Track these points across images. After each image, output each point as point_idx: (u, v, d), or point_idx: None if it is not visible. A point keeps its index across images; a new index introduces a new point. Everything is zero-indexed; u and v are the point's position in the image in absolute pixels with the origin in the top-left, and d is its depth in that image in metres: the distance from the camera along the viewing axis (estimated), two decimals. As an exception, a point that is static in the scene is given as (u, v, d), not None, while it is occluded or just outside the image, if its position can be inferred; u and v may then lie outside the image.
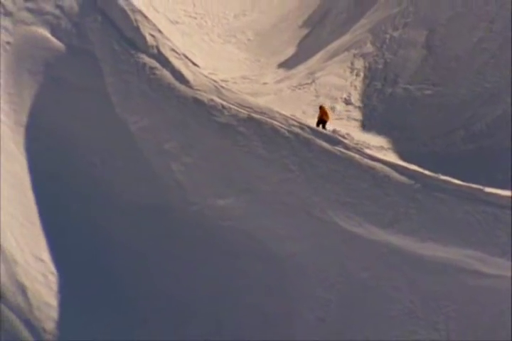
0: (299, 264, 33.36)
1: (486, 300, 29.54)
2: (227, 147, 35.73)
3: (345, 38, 41.42)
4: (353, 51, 39.77)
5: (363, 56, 39.26)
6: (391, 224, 32.46)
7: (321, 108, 37.52)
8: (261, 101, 37.39)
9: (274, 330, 32.19)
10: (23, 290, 33.44)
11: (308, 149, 34.45)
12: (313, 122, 36.74)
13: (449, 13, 38.18)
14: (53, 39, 39.69)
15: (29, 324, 33.08)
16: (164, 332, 32.96)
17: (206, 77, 37.90)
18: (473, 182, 32.00)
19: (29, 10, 40.81)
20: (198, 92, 36.76)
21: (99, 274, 34.34)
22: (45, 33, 39.90)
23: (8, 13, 40.75)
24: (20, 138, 37.32)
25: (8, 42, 39.65)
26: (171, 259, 34.35)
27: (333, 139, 34.77)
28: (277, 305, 32.83)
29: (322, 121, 37.18)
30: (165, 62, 37.82)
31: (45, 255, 34.50)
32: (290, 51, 43.40)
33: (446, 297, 30.67)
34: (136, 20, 39.17)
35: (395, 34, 39.68)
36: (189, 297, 33.44)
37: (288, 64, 42.60)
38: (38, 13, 40.60)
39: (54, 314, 33.77)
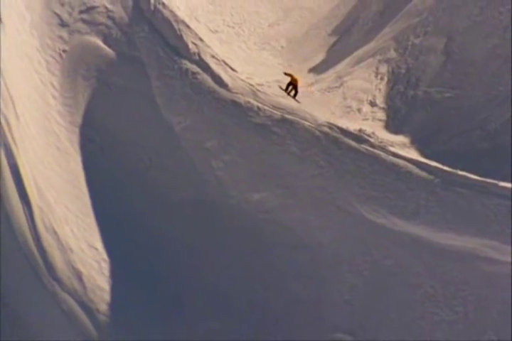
0: (328, 253, 33.54)
1: (501, 285, 29.75)
2: (263, 145, 35.96)
3: (371, 45, 40.85)
4: (378, 57, 39.32)
5: (387, 61, 38.79)
6: (413, 215, 32.53)
7: (286, 74, 38.24)
8: (293, 103, 37.61)
9: (304, 313, 32.54)
10: (78, 275, 33.81)
11: (336, 147, 34.62)
12: (341, 122, 36.18)
13: (466, 22, 37.70)
14: (105, 47, 39.74)
15: (84, 305, 33.33)
16: (205, 316, 33.23)
17: (243, 81, 38.09)
18: (489, 177, 32.16)
19: (84, 21, 40.80)
20: (236, 95, 37.00)
21: (147, 262, 34.68)
22: (97, 41, 39.96)
23: (64, 24, 40.71)
24: (75, 138, 37.57)
25: (64, 51, 39.68)
26: (213, 249, 34.67)
27: (360, 138, 34.94)
28: (308, 290, 33.11)
29: (292, 85, 37.63)
30: (206, 68, 38.02)
31: (98, 244, 34.88)
32: (320, 57, 43.01)
33: (464, 282, 30.80)
34: (179, 30, 39.27)
35: (416, 41, 39.16)
36: (227, 282, 33.65)
37: (318, 69, 42.17)
38: (92, 23, 40.65)
39: (106, 297, 34.15)
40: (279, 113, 36.07)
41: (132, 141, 37.60)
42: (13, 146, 35.06)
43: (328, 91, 39.25)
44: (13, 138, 35.34)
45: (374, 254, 32.56)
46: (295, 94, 38.27)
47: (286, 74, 38.97)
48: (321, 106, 38.49)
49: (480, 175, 32.61)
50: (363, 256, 32.75)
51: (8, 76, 37.07)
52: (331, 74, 40.90)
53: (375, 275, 32.12)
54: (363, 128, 36.09)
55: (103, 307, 34.05)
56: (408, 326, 31.74)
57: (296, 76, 38.36)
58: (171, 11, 40.89)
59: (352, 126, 36.45)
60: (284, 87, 39.27)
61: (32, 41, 39.94)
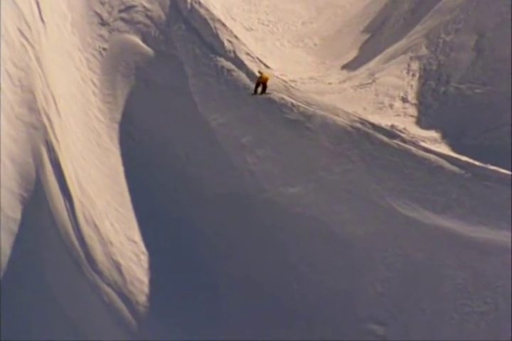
0: (361, 245, 33.58)
1: None
2: (296, 141, 36.09)
3: (402, 42, 40.56)
4: (410, 54, 39.01)
5: (419, 58, 38.57)
6: (444, 209, 32.55)
7: (259, 72, 37.23)
8: (326, 100, 37.54)
9: (337, 304, 32.44)
10: (117, 267, 34.28)
11: (368, 142, 34.68)
12: (373, 118, 36.11)
13: (497, 20, 37.37)
14: (143, 45, 40.17)
15: (124, 297, 33.74)
16: (239, 306, 33.29)
17: (277, 77, 38.23)
18: None
19: (123, 20, 41.21)
20: (270, 92, 37.13)
21: (185, 254, 35.11)
22: (136, 39, 40.38)
23: (104, 23, 41.20)
24: (114, 134, 38.03)
25: (104, 49, 40.19)
26: (248, 242, 34.67)
27: (392, 133, 35.01)
28: (341, 282, 33.09)
29: (262, 83, 36.65)
30: (241, 65, 38.41)
31: (137, 237, 35.28)
32: (352, 54, 42.89)
33: (494, 274, 30.75)
34: (215, 28, 39.65)
35: (448, 38, 38.98)
36: (263, 274, 33.81)
37: (350, 66, 42.05)
38: (131, 22, 40.99)
39: (145, 288, 34.71)
40: (312, 109, 36.17)
41: (169, 137, 37.82)
42: (54, 142, 35.53)
43: (361, 88, 38.92)
44: (54, 134, 35.82)
45: (406, 247, 32.44)
46: (263, 91, 36.99)
47: (259, 72, 37.69)
48: (354, 102, 38.30)
49: (510, 170, 32.31)
50: (395, 249, 32.67)
51: (50, 74, 37.56)
52: (363, 71, 40.64)
53: (407, 268, 32.05)
54: (395, 123, 36.06)
55: (142, 298, 34.55)
56: (439, 317, 31.70)
57: (267, 75, 36.93)
58: (207, 10, 41.16)
59: (384, 121, 36.46)
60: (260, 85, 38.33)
61: (73, 40, 40.38)
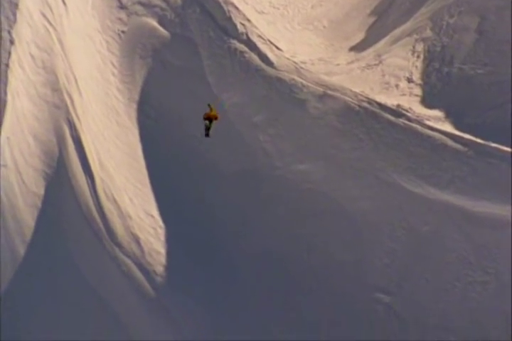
0: (369, 219, 34.03)
1: None
2: (306, 120, 36.41)
3: (408, 25, 40.62)
4: (415, 36, 39.11)
5: (423, 40, 38.60)
6: (448, 185, 33.04)
7: (209, 106, 35.44)
8: (334, 80, 37.77)
9: (346, 275, 33.01)
10: (136, 240, 34.72)
11: (375, 121, 35.11)
12: (380, 98, 36.17)
13: (499, 2, 37.29)
14: (160, 28, 40.03)
15: (142, 267, 34.30)
16: (252, 278, 33.78)
17: (288, 59, 38.49)
18: None
19: (141, 3, 40.93)
20: (281, 72, 37.45)
21: (200, 228, 35.42)
22: (153, 22, 40.25)
23: (123, 7, 40.93)
24: (133, 113, 38.11)
25: (123, 31, 40.08)
26: (261, 217, 35.06)
27: (398, 112, 35.37)
28: (349, 254, 33.73)
29: (209, 118, 34.54)
30: (253, 47, 38.49)
31: (155, 212, 35.62)
32: (360, 36, 42.76)
33: (496, 246, 31.33)
34: (228, 11, 39.65)
35: (451, 21, 39.00)
36: (276, 247, 34.15)
37: (358, 47, 41.95)
38: (148, 6, 40.75)
39: (162, 260, 35.46)
40: (321, 89, 36.50)
41: (185, 116, 37.73)
42: (76, 121, 35.77)
43: (368, 69, 39.00)
44: (76, 113, 36.07)
45: (411, 221, 32.98)
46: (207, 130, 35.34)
47: (209, 105, 35.11)
48: (361, 82, 38.44)
49: (511, 147, 32.75)
50: (401, 223, 33.21)
51: (72, 56, 37.65)
52: (370, 52, 40.61)
53: (412, 241, 32.62)
54: (401, 103, 36.38)
55: (159, 269, 35.29)
56: (443, 286, 32.19)
57: (213, 112, 33.85)
58: (221, -7, 43.71)
59: (390, 101, 36.68)
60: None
61: (93, 23, 40.30)
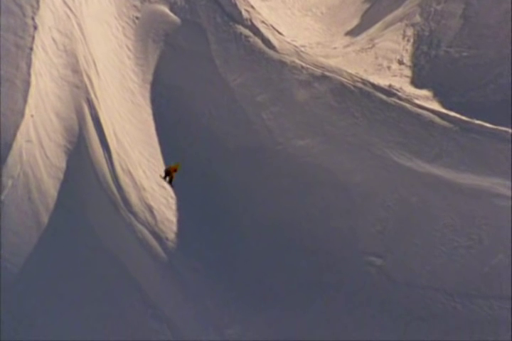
0: (362, 190, 34.50)
1: (510, 216, 31.06)
2: (305, 99, 36.93)
3: (399, 11, 41.20)
4: (405, 21, 39.87)
5: (413, 25, 39.41)
6: (436, 159, 33.51)
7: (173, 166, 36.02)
8: (331, 62, 38.44)
9: (342, 241, 33.72)
10: (149, 209, 34.83)
11: (369, 100, 35.73)
12: (373, 78, 36.89)
13: None
14: (171, 14, 40.48)
15: (155, 234, 34.34)
16: (257, 245, 34.48)
17: (289, 43, 39.12)
18: (501, 126, 33.36)
19: None
20: (282, 55, 38.02)
21: (208, 198, 35.94)
22: (165, 9, 40.64)
23: None
24: (146, 93, 38.51)
25: (137, 17, 40.39)
26: (265, 188, 35.55)
27: (389, 92, 35.95)
28: (345, 222, 34.19)
29: (169, 173, 35.43)
30: (256, 32, 39.08)
31: (166, 184, 36.07)
32: (355, 22, 43.38)
33: (480, 215, 31.90)
34: None
35: (438, 7, 39.48)
36: (279, 215, 34.67)
37: (353, 32, 42.58)
38: None
39: (174, 227, 35.20)
40: (319, 71, 37.10)
41: (195, 95, 38.40)
42: (94, 100, 35.86)
43: (362, 52, 39.81)
44: (94, 93, 36.18)
45: (401, 192, 33.50)
46: (170, 181, 35.90)
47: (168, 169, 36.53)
48: (356, 64, 39.18)
49: (493, 124, 33.66)
50: (392, 194, 33.69)
51: (91, 40, 37.82)
52: (364, 36, 41.30)
53: (403, 210, 33.16)
54: (392, 83, 37.08)
55: (171, 236, 35.26)
56: (430, 250, 32.47)
57: (175, 166, 35.67)
58: (227, -18, 43.46)
59: (382, 81, 37.31)
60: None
61: (110, 9, 40.44)
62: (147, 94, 38.74)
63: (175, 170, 35.66)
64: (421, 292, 32.59)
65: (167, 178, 36.34)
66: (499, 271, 31.46)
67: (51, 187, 34.61)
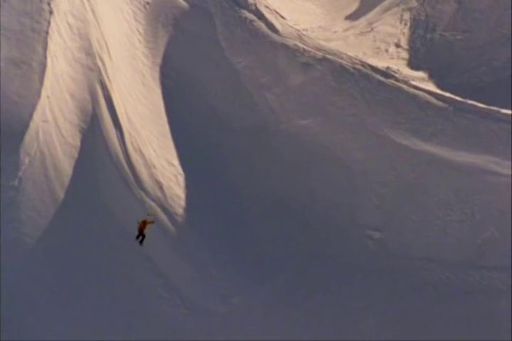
0: (362, 168, 34.64)
1: (502, 192, 31.36)
2: (307, 80, 36.96)
3: None
4: (402, 6, 39.89)
5: (410, 10, 39.49)
6: (431, 137, 33.67)
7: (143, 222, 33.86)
8: (332, 46, 38.46)
9: (342, 215, 34.00)
10: (159, 186, 35.18)
11: (368, 81, 35.80)
12: (372, 61, 36.94)
13: None
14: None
15: (165, 209, 34.69)
16: (263, 219, 34.86)
17: (291, 27, 39.13)
18: (493, 106, 33.66)
19: None
20: (285, 39, 38.04)
21: (216, 175, 36.03)
22: None
23: None
24: (156, 75, 38.55)
25: (147, 3, 40.24)
26: (269, 164, 35.79)
27: (387, 73, 36.09)
28: (345, 197, 34.42)
29: (141, 233, 33.33)
30: (261, 16, 39.12)
31: (175, 161, 36.21)
32: (354, 7, 43.13)
33: (472, 190, 32.18)
34: None
35: None
36: (282, 194, 34.86)
37: (352, 16, 42.37)
38: None
39: (182, 203, 35.38)
40: (320, 53, 37.17)
41: (201, 77, 38.39)
42: (107, 82, 36.20)
43: (361, 35, 39.89)
44: (107, 75, 36.47)
45: (399, 169, 33.74)
46: (141, 239, 33.60)
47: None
48: (355, 47, 39.20)
49: (486, 104, 33.94)
50: (390, 171, 33.93)
51: (103, 24, 37.93)
52: (363, 21, 41.25)
53: (400, 186, 33.45)
54: (390, 65, 37.20)
55: (180, 211, 35.34)
56: (425, 224, 32.70)
57: (149, 221, 33.45)
58: (232, -32, 42.89)
59: (380, 64, 37.49)
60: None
61: None
62: (157, 76, 38.75)
63: (150, 223, 33.26)
64: (417, 263, 32.89)
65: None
66: (490, 244, 31.75)
67: (66, 164, 35.00)
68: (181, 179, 35.94)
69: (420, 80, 36.79)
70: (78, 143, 35.18)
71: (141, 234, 33.10)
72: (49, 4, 37.13)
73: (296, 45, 37.69)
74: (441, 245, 32.69)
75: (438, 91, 35.47)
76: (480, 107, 33.81)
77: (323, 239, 34.61)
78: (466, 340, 30.84)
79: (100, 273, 34.05)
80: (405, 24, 39.62)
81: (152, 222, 33.03)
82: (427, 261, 32.64)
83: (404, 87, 35.27)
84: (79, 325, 32.42)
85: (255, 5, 39.67)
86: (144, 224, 33.18)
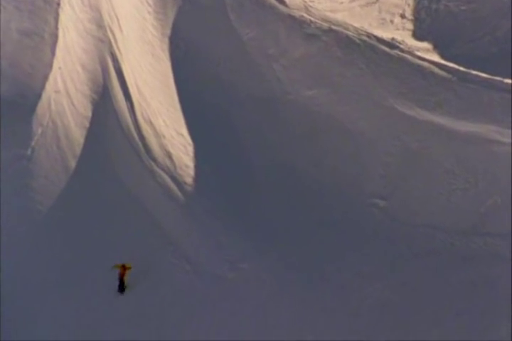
0: (367, 137, 34.15)
1: (504, 160, 30.64)
2: (313, 51, 36.46)
3: None
4: None
5: None
6: (435, 107, 33.03)
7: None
8: (338, 17, 37.73)
9: (347, 184, 33.69)
10: (169, 156, 35.28)
11: (373, 52, 35.20)
12: (377, 32, 36.10)
13: None
14: None
15: (174, 179, 34.75)
16: (270, 188, 34.83)
17: None
18: (496, 76, 32.70)
19: None
20: (292, 10, 37.45)
21: (224, 145, 36.09)
22: None
23: None
24: (165, 46, 38.45)
25: None
26: (276, 131, 35.68)
27: (392, 44, 35.33)
28: (351, 166, 34.02)
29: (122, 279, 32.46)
30: None
31: (185, 131, 36.16)
32: None
33: (476, 159, 31.53)
34: None
35: None
36: (287, 161, 35.05)
37: None
38: None
39: (191, 172, 35.26)
40: (327, 25, 36.60)
41: (210, 48, 38.13)
42: (117, 53, 36.40)
43: (367, 7, 38.84)
44: (117, 46, 36.62)
45: (404, 139, 33.21)
46: (123, 287, 32.90)
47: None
48: (361, 18, 38.31)
49: (489, 74, 32.99)
50: (395, 141, 33.43)
51: None
52: None
53: (404, 155, 32.97)
54: (395, 36, 36.31)
55: (189, 180, 35.29)
56: (430, 193, 32.12)
57: (128, 266, 32.63)
58: None
59: (386, 35, 36.62)
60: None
61: None
62: (166, 47, 38.64)
63: (129, 268, 32.50)
64: (421, 230, 32.31)
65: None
66: (494, 211, 31.13)
67: (78, 134, 35.49)
68: (190, 149, 35.94)
69: (425, 51, 35.95)
70: (89, 113, 35.63)
71: (121, 280, 31.96)
72: (60, -24, 37.73)
73: (302, 16, 37.17)
74: (445, 213, 32.00)
75: (442, 61, 34.63)
76: (483, 77, 32.94)
77: (329, 207, 34.11)
78: (465, 303, 31.31)
79: (110, 240, 34.46)
80: (410, -5, 40.37)
81: (130, 268, 31.97)
82: (431, 228, 32.07)
83: (409, 57, 34.60)
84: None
85: (263, -23, 40.47)
86: (123, 269, 32.21)
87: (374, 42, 35.64)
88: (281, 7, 37.80)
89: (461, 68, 34.30)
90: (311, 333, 30.87)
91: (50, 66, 36.92)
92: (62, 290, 33.15)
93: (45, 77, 36.58)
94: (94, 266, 33.64)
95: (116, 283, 32.38)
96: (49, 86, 36.11)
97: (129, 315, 32.57)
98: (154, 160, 35.31)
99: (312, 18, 37.13)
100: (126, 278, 32.32)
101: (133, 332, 31.86)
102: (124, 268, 32.25)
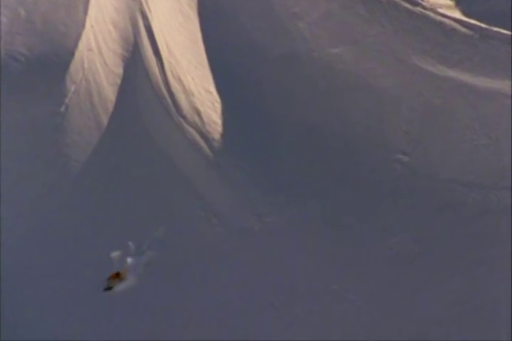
0: (390, 94, 33.91)
1: None
2: (338, 10, 36.55)
3: None
4: None
5: None
6: (456, 64, 33.66)
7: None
8: None
9: (371, 140, 31.88)
10: (197, 113, 35.83)
11: (396, 9, 35.04)
12: None
13: None
14: None
15: (203, 135, 34.86)
16: (296, 144, 34.73)
17: None
18: None
19: None
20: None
21: (251, 103, 35.69)
22: None
23: None
24: (194, 4, 37.46)
25: None
26: (301, 92, 33.91)
27: (414, 2, 34.90)
28: (374, 122, 32.31)
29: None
30: None
31: (213, 89, 36.03)
32: None
33: (496, 115, 31.86)
34: None
35: None
36: (315, 118, 33.47)
37: None
38: None
39: (219, 128, 35.88)
40: None
41: (236, 7, 36.89)
42: (147, 12, 35.82)
43: None
44: (147, 5, 35.96)
45: (426, 95, 33.58)
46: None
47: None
48: None
49: (509, 30, 34.27)
50: (417, 97, 33.65)
51: None
52: None
53: (427, 111, 33.17)
54: None
55: (217, 136, 35.92)
56: (452, 148, 32.56)
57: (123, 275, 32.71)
58: None
59: None
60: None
61: None
62: (194, 5, 37.80)
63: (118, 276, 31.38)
64: (441, 184, 32.97)
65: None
66: None
67: (110, 92, 35.06)
68: (218, 106, 35.82)
69: (447, 8, 35.46)
70: (121, 71, 34.95)
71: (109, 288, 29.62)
72: None
73: (325, -26, 37.46)
74: (466, 167, 32.16)
75: (464, 18, 33.80)
76: (503, 34, 32.04)
77: (353, 163, 34.03)
78: (480, 256, 31.60)
79: (141, 195, 34.96)
80: (429, -38, 39.15)
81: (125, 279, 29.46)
82: (451, 183, 32.63)
83: (431, 14, 33.97)
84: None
85: None
86: (117, 276, 29.76)
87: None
88: (306, -29, 38.11)
89: (483, 25, 33.45)
90: (335, 282, 31.31)
91: (83, 24, 36.32)
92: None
93: (78, 36, 36.03)
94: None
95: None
96: (82, 44, 35.49)
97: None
98: (183, 117, 35.24)
99: (335, -24, 37.72)
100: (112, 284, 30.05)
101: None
102: (118, 275, 29.98)
